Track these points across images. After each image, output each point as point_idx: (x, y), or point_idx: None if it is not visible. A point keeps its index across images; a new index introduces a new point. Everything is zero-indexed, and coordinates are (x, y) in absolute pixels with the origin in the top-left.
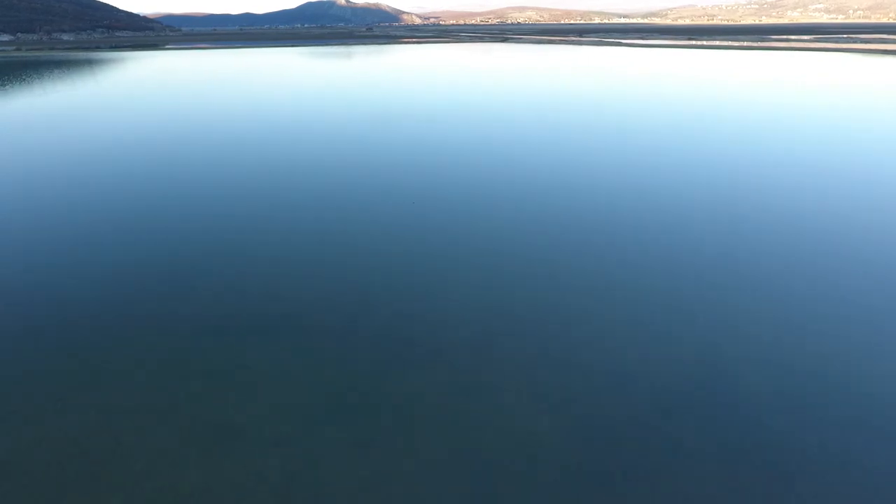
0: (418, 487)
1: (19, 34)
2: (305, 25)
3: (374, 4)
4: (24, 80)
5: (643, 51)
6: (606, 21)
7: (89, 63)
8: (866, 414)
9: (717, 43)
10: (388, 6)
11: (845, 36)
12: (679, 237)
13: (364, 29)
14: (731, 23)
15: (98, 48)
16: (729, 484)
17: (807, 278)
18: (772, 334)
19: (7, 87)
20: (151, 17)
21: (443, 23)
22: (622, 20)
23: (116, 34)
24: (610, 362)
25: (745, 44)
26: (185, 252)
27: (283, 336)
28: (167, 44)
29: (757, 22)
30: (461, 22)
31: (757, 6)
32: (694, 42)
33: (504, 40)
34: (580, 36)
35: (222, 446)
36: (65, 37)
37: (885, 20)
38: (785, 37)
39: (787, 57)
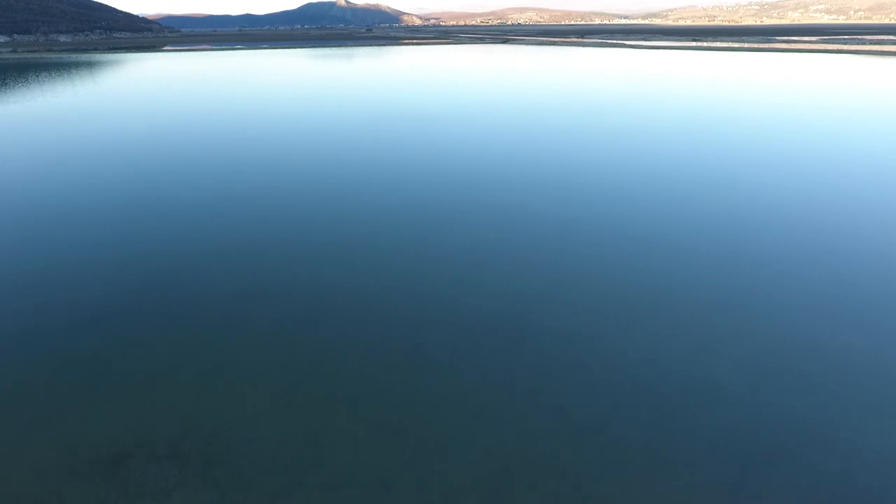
0: (420, 484)
1: (16, 35)
2: (305, 26)
3: (374, 5)
4: (15, 83)
5: (647, 52)
6: (607, 22)
7: (86, 65)
8: (872, 415)
9: (722, 44)
10: (389, 7)
11: (849, 37)
12: (686, 243)
13: (364, 30)
14: (733, 23)
15: (96, 49)
16: (736, 489)
17: (815, 281)
18: (776, 336)
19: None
20: (151, 17)
21: (443, 23)
22: (622, 21)
23: (114, 35)
24: (612, 363)
25: (751, 45)
26: (186, 252)
27: (285, 335)
28: (165, 45)
29: (758, 23)
30: (461, 23)
31: (758, 7)
32: (698, 43)
33: (505, 42)
34: (582, 37)
35: (224, 445)
36: (62, 38)
37: (886, 21)
38: (789, 37)
39: (794, 59)
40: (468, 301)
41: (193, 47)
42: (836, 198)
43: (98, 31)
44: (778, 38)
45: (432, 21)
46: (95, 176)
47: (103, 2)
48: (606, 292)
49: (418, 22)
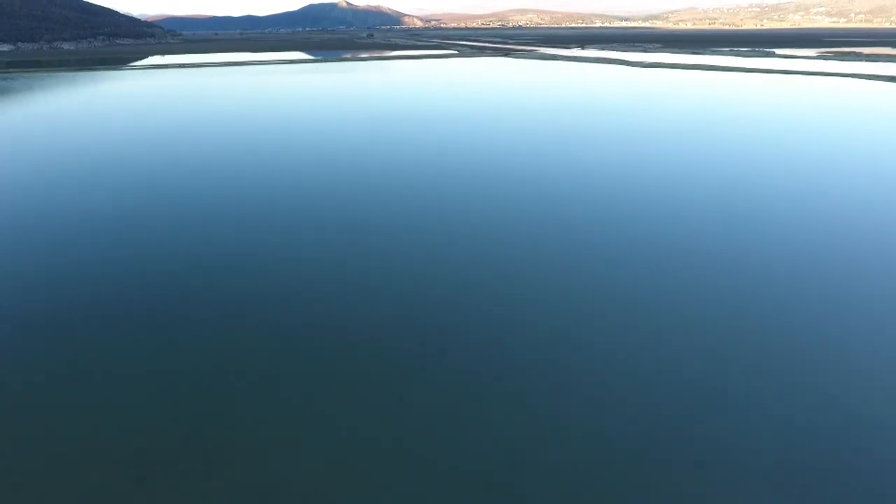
0: (415, 487)
1: (20, 43)
2: (307, 28)
3: (375, 7)
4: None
5: (646, 71)
6: (608, 24)
7: (91, 81)
8: (872, 411)
9: (721, 60)
10: (389, 8)
11: (847, 50)
12: (688, 244)
13: (365, 35)
14: (734, 27)
15: (102, 63)
16: (736, 489)
17: (814, 282)
18: (776, 341)
19: None
20: (153, 18)
21: (444, 25)
22: (623, 23)
23: (117, 42)
24: (613, 366)
25: (751, 66)
26: (194, 259)
27: (285, 335)
28: (168, 53)
29: (759, 26)
30: (462, 24)
31: (758, 9)
32: (697, 58)
33: (506, 54)
34: (583, 48)
35: (223, 442)
36: (66, 46)
37: (886, 25)
38: (789, 48)
39: (790, 81)
40: (473, 303)
41: (195, 62)
42: (831, 208)
43: (101, 37)
44: (777, 50)
45: (433, 23)
46: (115, 187)
47: (106, 5)
48: (608, 297)
49: (419, 24)
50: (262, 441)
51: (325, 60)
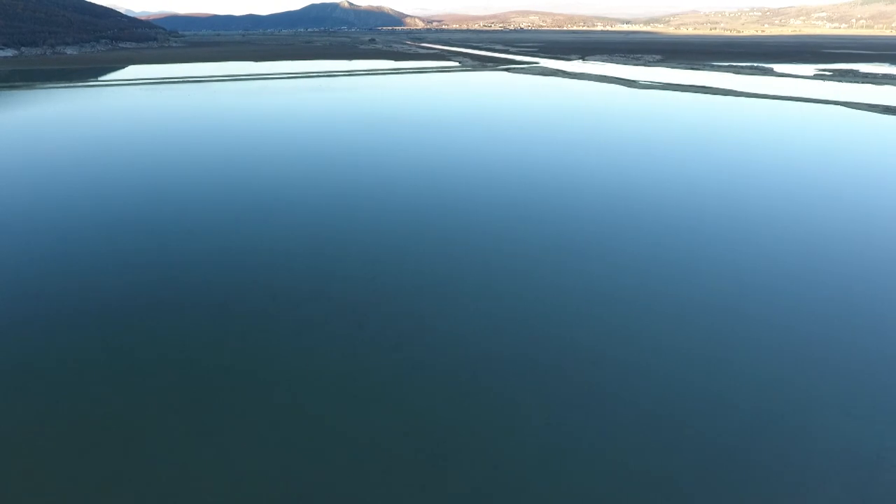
0: (415, 484)
1: (23, 48)
2: (308, 29)
3: (376, 7)
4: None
5: (644, 93)
6: (609, 28)
7: (94, 93)
8: (870, 408)
9: (718, 83)
10: (391, 9)
11: (847, 68)
12: (688, 245)
13: (367, 39)
14: (735, 33)
15: (106, 76)
16: (734, 484)
17: (813, 286)
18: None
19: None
20: (155, 16)
21: (445, 27)
22: (625, 26)
23: (120, 45)
24: (611, 367)
25: (746, 86)
26: (200, 261)
27: (286, 335)
28: (167, 61)
29: (760, 32)
30: (464, 26)
31: (759, 14)
32: (695, 79)
33: (507, 68)
34: (583, 59)
35: (222, 439)
36: (69, 51)
37: (887, 31)
38: (788, 68)
39: (787, 110)
40: (479, 306)
41: (197, 75)
42: (819, 223)
43: (104, 41)
44: (776, 66)
45: (434, 24)
46: (130, 195)
47: (107, 4)
48: (609, 300)
49: (421, 25)
50: (259, 438)
51: (328, 75)
